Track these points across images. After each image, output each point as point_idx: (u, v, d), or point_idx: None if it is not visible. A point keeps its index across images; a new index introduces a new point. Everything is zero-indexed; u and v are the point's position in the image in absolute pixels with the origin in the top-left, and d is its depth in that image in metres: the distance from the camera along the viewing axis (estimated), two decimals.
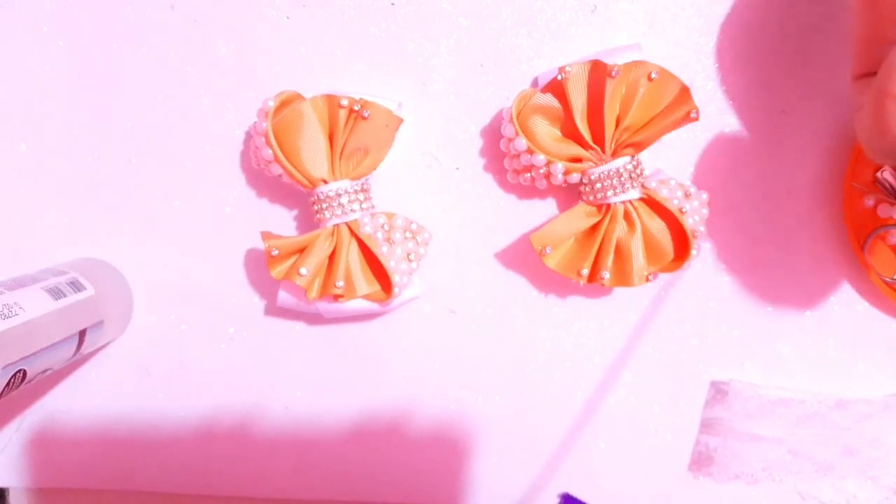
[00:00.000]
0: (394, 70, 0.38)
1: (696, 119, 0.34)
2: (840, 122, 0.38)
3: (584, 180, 0.35)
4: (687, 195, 0.36)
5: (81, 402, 0.42)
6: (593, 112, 0.34)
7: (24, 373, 0.31)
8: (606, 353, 0.40)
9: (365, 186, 0.36)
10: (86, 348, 0.36)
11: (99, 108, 0.40)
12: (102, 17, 0.39)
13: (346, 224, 0.36)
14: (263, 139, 0.35)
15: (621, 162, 0.35)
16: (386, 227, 0.37)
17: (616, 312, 0.40)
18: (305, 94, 0.36)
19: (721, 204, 0.39)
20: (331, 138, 0.36)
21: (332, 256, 0.36)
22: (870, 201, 0.37)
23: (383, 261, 0.36)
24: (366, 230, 0.36)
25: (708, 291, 0.39)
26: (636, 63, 0.34)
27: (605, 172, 0.35)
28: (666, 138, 0.36)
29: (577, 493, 0.41)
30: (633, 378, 0.40)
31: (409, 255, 0.37)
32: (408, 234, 0.37)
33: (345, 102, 0.35)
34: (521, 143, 0.35)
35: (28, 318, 0.31)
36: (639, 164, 0.35)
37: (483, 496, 0.41)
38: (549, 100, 0.35)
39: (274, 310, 0.40)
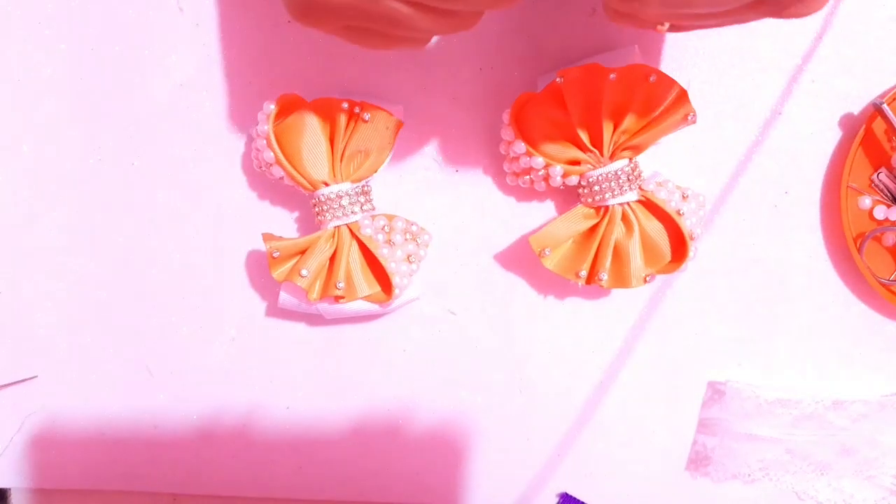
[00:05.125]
0: (394, 73, 0.39)
1: (694, 122, 0.34)
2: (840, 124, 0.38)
3: (583, 183, 0.36)
4: (684, 197, 0.36)
5: (83, 402, 0.42)
6: (591, 115, 0.35)
7: None
8: (604, 354, 0.40)
9: (365, 189, 0.37)
10: None
11: (101, 110, 0.40)
12: (104, 21, 0.39)
13: (347, 226, 0.36)
14: (265, 142, 0.35)
15: (619, 164, 0.35)
16: (386, 229, 0.37)
17: (614, 313, 0.40)
18: (307, 97, 0.37)
19: (718, 206, 0.39)
20: (331, 141, 0.36)
21: (332, 258, 0.37)
22: (866, 203, 0.38)
23: (384, 262, 0.36)
24: (366, 232, 0.37)
25: (705, 292, 0.39)
26: (634, 66, 0.34)
27: (604, 175, 0.35)
28: (663, 140, 0.36)
29: (575, 493, 0.41)
30: (630, 378, 0.40)
31: (409, 256, 0.37)
32: (408, 236, 0.37)
33: (345, 105, 0.35)
34: (520, 146, 0.35)
35: None
36: (636, 166, 0.36)
37: (482, 496, 0.41)
38: (548, 103, 0.35)
39: (275, 311, 0.40)
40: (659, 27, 0.26)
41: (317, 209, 0.36)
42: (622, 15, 0.25)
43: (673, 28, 0.27)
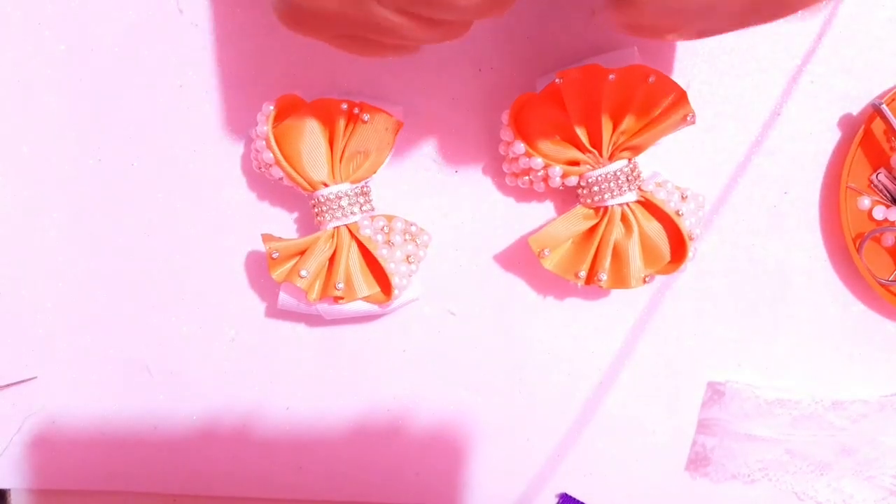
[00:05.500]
0: (393, 74, 0.39)
1: (693, 122, 0.34)
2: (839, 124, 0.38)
3: (582, 183, 0.36)
4: (683, 197, 0.36)
5: (82, 403, 0.42)
6: (591, 116, 0.35)
7: None
8: (604, 355, 0.40)
9: (365, 189, 0.37)
10: None
11: (100, 111, 0.40)
12: (103, 21, 0.39)
13: (347, 226, 0.36)
14: (264, 142, 0.35)
15: (618, 165, 0.35)
16: (386, 230, 0.37)
17: (613, 314, 0.40)
18: (306, 97, 0.37)
19: (717, 206, 0.39)
20: (331, 142, 0.36)
21: (332, 259, 0.37)
22: (865, 203, 0.38)
23: (383, 263, 0.36)
24: (366, 232, 0.37)
25: (704, 293, 0.39)
26: (633, 67, 0.34)
27: (603, 175, 0.35)
28: (663, 141, 0.36)
29: (575, 493, 0.41)
30: (630, 379, 0.40)
31: (408, 257, 0.37)
32: (407, 237, 0.37)
33: (345, 106, 0.35)
34: (520, 146, 0.35)
35: None
36: (636, 167, 0.36)
37: (482, 496, 0.41)
38: (548, 104, 0.35)
39: (274, 311, 0.41)
40: (668, 36, 0.26)
41: (316, 210, 0.36)
42: (626, 26, 0.25)
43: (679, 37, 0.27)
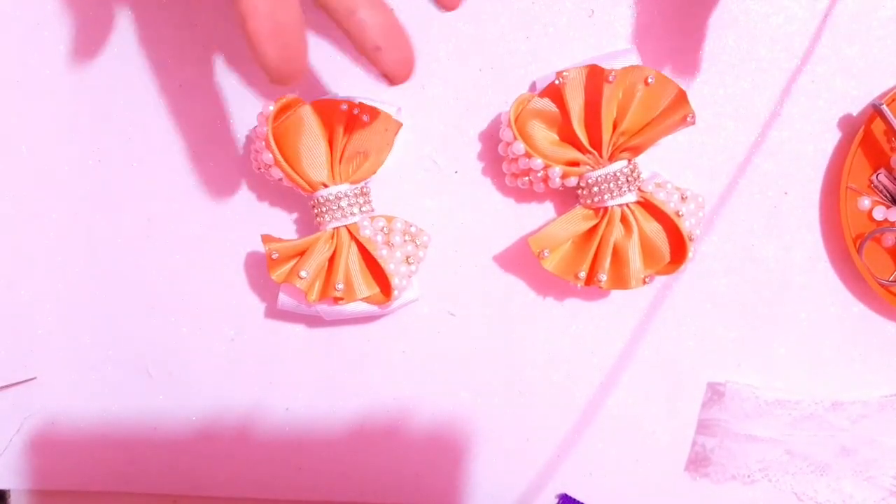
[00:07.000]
0: None
1: (693, 123, 0.34)
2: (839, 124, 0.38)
3: (582, 184, 0.36)
4: (683, 198, 0.36)
5: (82, 403, 0.42)
6: (590, 116, 0.35)
7: None
8: (604, 355, 0.40)
9: (364, 190, 0.37)
10: None
11: (100, 111, 0.40)
12: (102, 22, 0.39)
13: (346, 227, 0.36)
14: (264, 143, 0.35)
15: (618, 165, 0.35)
16: (385, 231, 0.37)
17: (613, 314, 0.40)
18: (306, 98, 0.37)
19: (717, 206, 0.39)
20: (330, 142, 0.36)
21: (331, 259, 0.37)
22: (865, 204, 0.38)
23: (382, 264, 0.36)
24: (365, 233, 0.37)
25: (704, 293, 0.39)
26: (633, 67, 0.34)
27: (603, 176, 0.35)
28: (662, 142, 0.36)
29: (575, 494, 0.41)
30: (630, 379, 0.40)
31: (408, 257, 0.37)
32: (407, 238, 0.37)
33: (345, 107, 0.35)
34: (519, 147, 0.35)
35: None
36: (635, 167, 0.36)
37: (481, 497, 0.41)
38: (547, 104, 0.35)
39: (274, 312, 0.40)
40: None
41: (316, 210, 0.36)
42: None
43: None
